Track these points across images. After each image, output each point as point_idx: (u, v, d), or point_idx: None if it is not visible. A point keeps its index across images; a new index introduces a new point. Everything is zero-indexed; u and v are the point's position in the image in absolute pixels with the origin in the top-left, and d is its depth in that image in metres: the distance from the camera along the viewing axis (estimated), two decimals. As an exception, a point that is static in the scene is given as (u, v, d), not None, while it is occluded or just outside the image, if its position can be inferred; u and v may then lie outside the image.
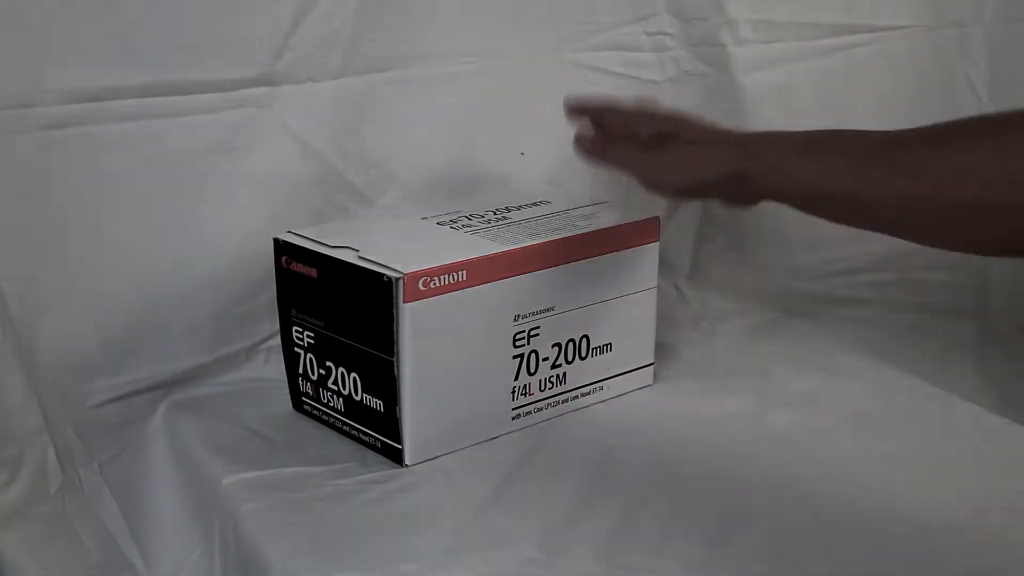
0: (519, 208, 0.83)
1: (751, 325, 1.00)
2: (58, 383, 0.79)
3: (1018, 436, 0.79)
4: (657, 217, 0.83)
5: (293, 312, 0.78)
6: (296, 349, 0.79)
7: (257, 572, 0.67)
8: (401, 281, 0.70)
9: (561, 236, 0.78)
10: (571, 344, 0.80)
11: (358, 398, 0.75)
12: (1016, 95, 0.94)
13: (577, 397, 0.82)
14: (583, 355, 0.81)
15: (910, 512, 0.68)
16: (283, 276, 0.77)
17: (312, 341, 0.77)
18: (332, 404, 0.77)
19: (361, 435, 0.76)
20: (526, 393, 0.78)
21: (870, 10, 0.97)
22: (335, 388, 0.76)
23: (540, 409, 0.79)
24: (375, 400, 0.74)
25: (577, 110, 0.74)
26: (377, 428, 0.75)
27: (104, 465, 0.82)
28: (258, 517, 0.69)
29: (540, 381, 0.79)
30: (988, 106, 0.96)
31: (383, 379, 0.73)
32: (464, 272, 0.72)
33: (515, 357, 0.77)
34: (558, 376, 0.80)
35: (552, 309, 0.78)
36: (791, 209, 1.01)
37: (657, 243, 0.83)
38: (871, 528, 0.66)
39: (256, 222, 0.81)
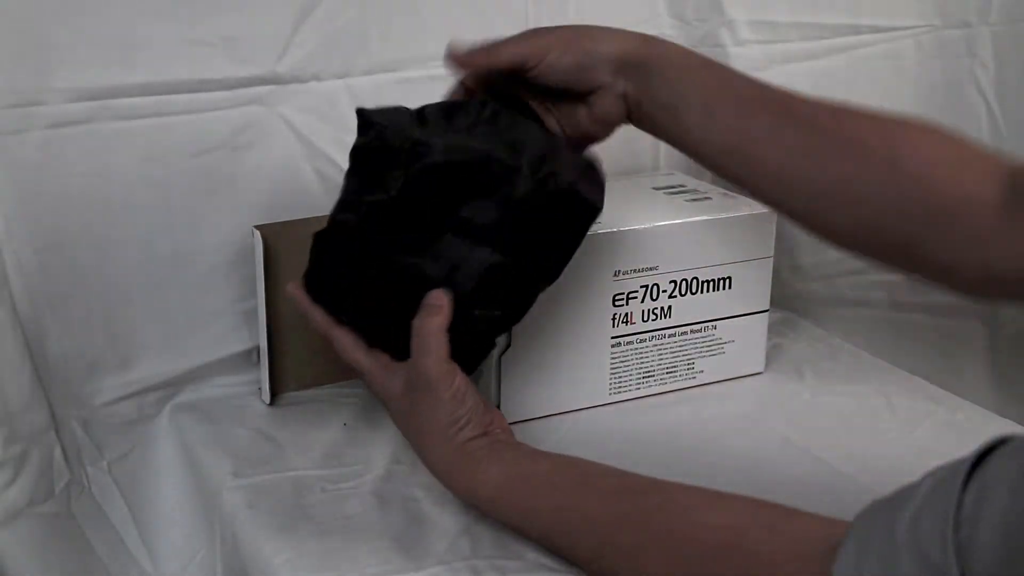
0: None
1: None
2: (66, 381, 0.80)
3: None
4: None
5: None
6: None
7: (259, 574, 0.67)
8: None
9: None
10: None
11: None
12: (1023, 95, 0.94)
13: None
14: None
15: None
16: None
17: None
18: None
19: None
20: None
21: (875, 10, 0.96)
22: None
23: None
24: None
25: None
26: None
27: (113, 464, 0.82)
28: (261, 519, 0.69)
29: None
30: (995, 106, 0.95)
31: None
32: None
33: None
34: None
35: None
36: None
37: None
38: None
39: (261, 220, 0.81)
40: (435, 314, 0.67)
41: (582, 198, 0.69)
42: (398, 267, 0.68)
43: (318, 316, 0.71)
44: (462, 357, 0.68)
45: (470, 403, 0.67)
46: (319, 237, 0.70)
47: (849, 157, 0.61)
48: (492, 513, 0.66)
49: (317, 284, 0.71)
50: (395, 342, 0.68)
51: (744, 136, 0.64)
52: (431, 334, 0.67)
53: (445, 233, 0.68)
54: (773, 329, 0.90)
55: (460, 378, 0.67)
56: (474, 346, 0.70)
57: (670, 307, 0.83)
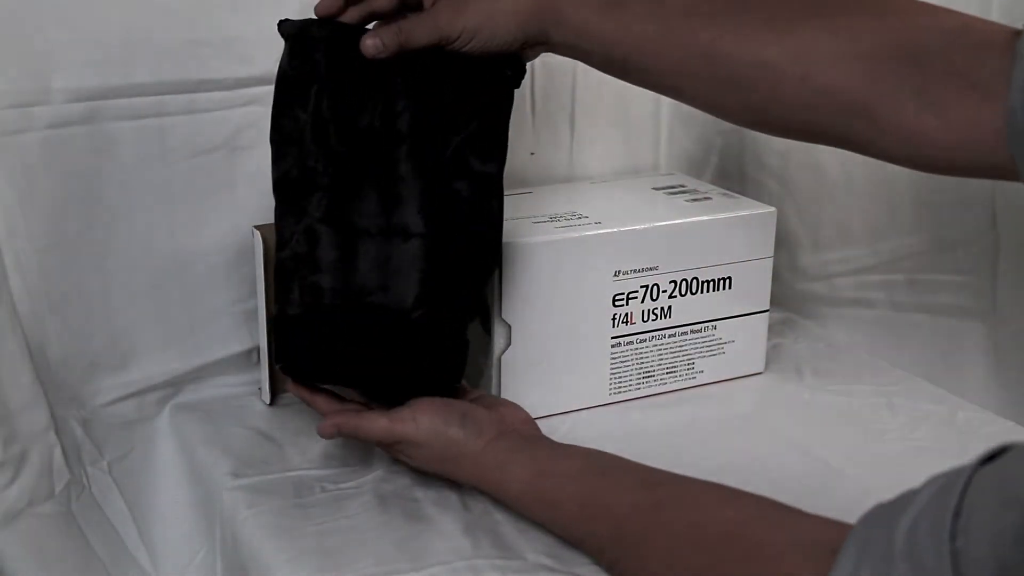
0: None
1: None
2: (66, 381, 0.80)
3: (1024, 438, 0.79)
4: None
5: None
6: None
7: (259, 574, 0.67)
8: None
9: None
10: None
11: None
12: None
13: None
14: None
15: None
16: None
17: None
18: None
19: None
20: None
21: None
22: None
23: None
24: None
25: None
26: None
27: (113, 464, 0.82)
28: (261, 519, 0.69)
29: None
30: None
31: None
32: None
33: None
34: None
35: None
36: (794, 208, 1.01)
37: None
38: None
39: (261, 220, 0.81)
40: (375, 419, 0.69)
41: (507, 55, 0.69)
42: (354, 306, 0.69)
43: (321, 402, 0.73)
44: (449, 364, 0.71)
45: (469, 420, 0.69)
46: (278, 322, 0.72)
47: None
48: (519, 510, 0.68)
49: (297, 364, 0.72)
50: (390, 387, 0.70)
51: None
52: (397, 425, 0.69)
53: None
54: (773, 329, 0.90)
55: (443, 410, 0.69)
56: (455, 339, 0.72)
57: (670, 307, 0.83)
